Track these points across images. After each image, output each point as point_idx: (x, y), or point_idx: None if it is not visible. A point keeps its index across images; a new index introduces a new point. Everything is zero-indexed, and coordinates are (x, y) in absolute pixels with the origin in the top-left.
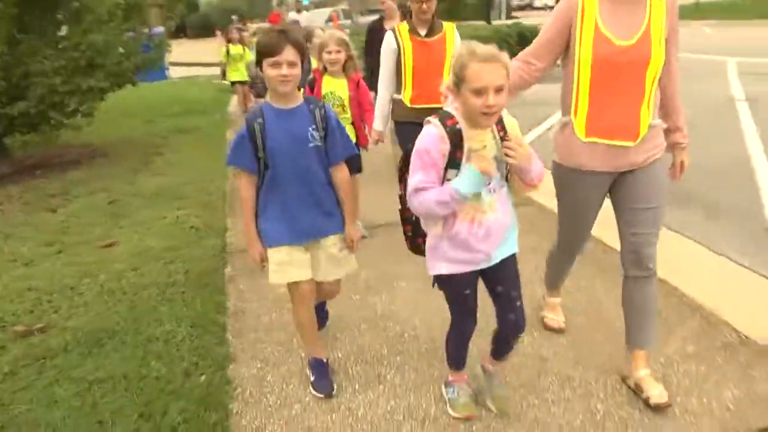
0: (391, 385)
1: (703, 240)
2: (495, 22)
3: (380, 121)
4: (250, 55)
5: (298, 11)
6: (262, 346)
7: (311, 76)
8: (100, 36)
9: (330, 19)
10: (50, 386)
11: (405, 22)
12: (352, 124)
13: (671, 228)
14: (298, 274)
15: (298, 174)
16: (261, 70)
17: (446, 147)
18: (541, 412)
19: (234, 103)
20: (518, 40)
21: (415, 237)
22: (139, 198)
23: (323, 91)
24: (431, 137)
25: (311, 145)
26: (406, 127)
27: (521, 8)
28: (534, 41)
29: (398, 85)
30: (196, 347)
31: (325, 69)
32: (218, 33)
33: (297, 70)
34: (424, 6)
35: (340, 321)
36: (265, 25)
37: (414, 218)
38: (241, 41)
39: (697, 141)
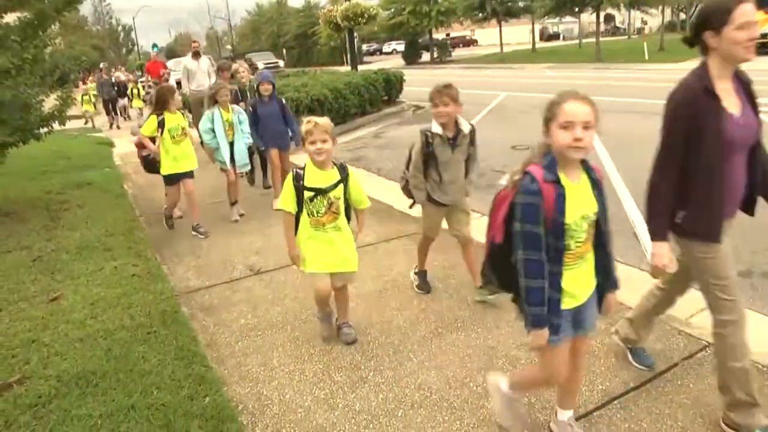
0: (374, 383)
1: None
2: (346, 68)
3: None
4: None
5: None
6: (245, 369)
7: None
8: (9, 92)
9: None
10: (58, 427)
11: None
12: None
13: None
14: None
15: None
16: None
17: None
18: None
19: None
20: (384, 85)
21: None
22: (65, 253)
23: None
24: None
25: None
26: None
27: (371, 54)
28: None
29: None
30: (187, 375)
31: None
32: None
33: None
34: None
35: (308, 341)
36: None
37: None
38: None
39: None
